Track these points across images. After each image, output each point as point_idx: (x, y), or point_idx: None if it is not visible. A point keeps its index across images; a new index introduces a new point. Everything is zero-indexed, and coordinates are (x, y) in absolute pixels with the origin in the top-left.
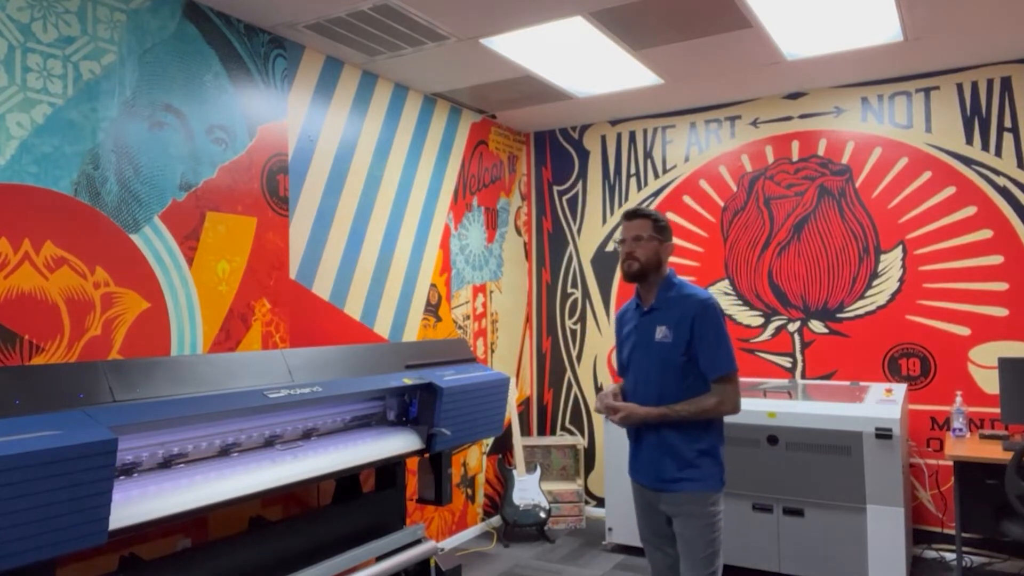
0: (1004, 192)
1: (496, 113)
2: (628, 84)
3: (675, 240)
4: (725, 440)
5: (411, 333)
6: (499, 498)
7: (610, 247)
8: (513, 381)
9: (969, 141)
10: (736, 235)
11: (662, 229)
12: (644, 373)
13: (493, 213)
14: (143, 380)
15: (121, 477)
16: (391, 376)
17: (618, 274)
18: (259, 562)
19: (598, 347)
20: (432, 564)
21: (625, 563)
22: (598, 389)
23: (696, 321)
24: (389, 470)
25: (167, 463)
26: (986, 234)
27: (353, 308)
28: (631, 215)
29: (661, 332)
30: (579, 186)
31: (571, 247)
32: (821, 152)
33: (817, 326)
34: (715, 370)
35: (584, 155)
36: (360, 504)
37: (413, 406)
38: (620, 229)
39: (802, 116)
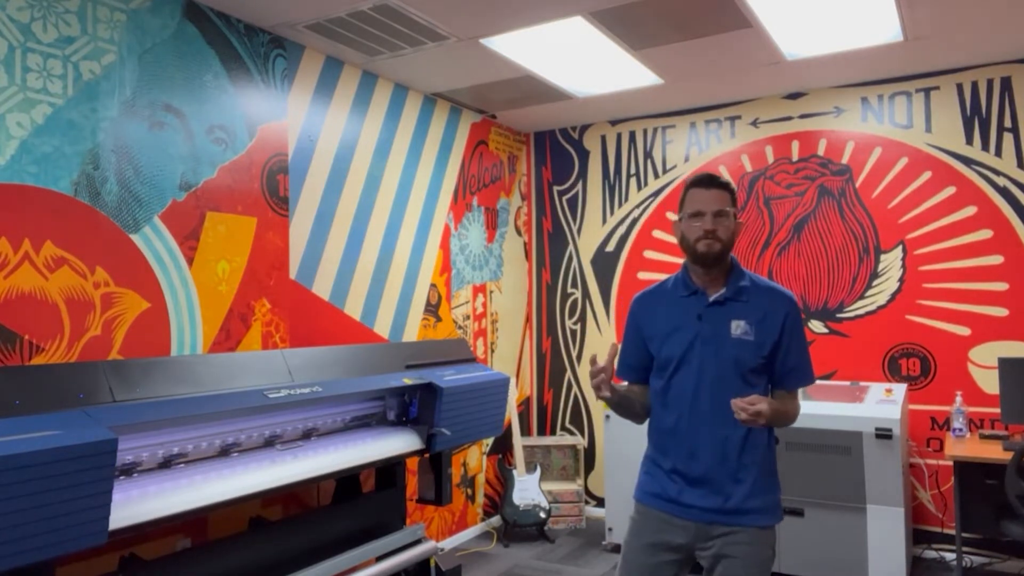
0: (1004, 192)
1: (496, 113)
2: (628, 84)
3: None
4: None
5: (411, 333)
6: (499, 498)
7: (611, 247)
8: (513, 381)
9: (969, 141)
10: None
11: (736, 203)
12: (714, 372)
13: (493, 213)
14: (143, 380)
15: (121, 477)
16: (391, 376)
17: (619, 273)
18: (259, 562)
19: (598, 347)
20: (432, 564)
21: None
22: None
23: (789, 320)
24: (389, 470)
25: (167, 463)
26: (986, 234)
27: (353, 308)
28: (709, 182)
29: (739, 327)
30: (579, 186)
31: (571, 247)
32: (821, 152)
33: (817, 326)
34: (803, 378)
35: (584, 155)
36: (360, 504)
37: (413, 406)
38: (689, 197)
39: (802, 116)
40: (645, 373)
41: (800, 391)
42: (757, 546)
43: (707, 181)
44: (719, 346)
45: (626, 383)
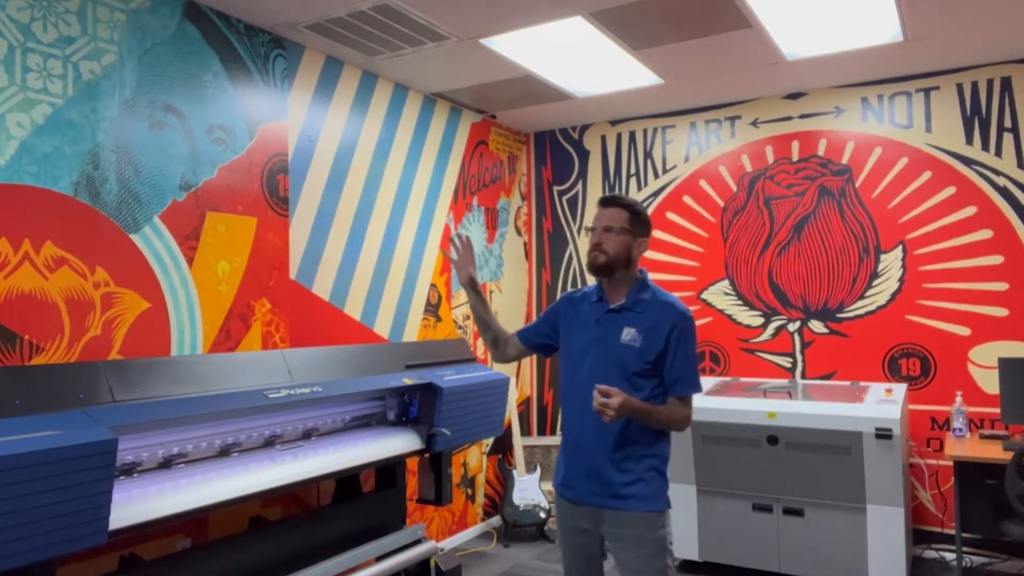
0: (1004, 192)
1: (496, 113)
2: (628, 84)
3: (675, 240)
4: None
5: (411, 333)
6: (499, 498)
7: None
8: (513, 381)
9: (969, 141)
10: (736, 235)
11: (640, 223)
12: (600, 371)
13: (493, 213)
14: (143, 380)
15: (121, 477)
16: (391, 376)
17: None
18: (259, 562)
19: None
20: (432, 564)
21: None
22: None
23: (676, 331)
24: (389, 470)
25: (167, 463)
26: (986, 234)
27: (353, 308)
28: (606, 202)
29: (629, 334)
30: (579, 186)
31: (571, 247)
32: (821, 152)
33: (817, 326)
34: (687, 387)
35: (584, 155)
36: (360, 504)
37: (413, 406)
38: (594, 216)
39: (802, 116)
40: (533, 340)
41: (800, 391)
42: (643, 528)
43: (605, 201)
44: (609, 349)
45: (510, 331)
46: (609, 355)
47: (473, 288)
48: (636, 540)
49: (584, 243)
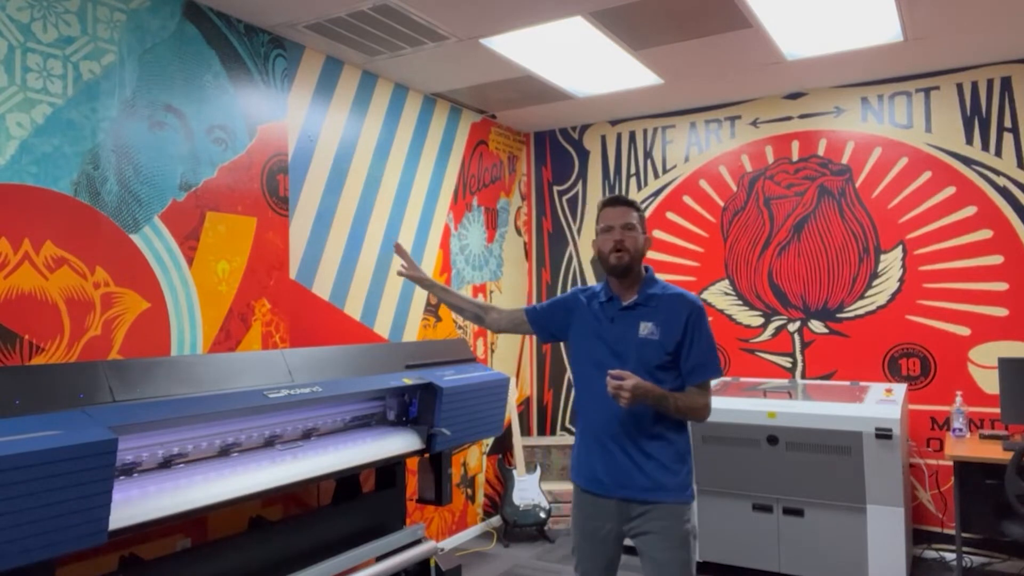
0: (1004, 192)
1: (496, 113)
2: (628, 84)
3: (675, 240)
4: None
5: (411, 333)
6: (499, 498)
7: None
8: (513, 381)
9: (969, 141)
10: (736, 235)
11: (644, 220)
12: (621, 368)
13: (493, 213)
14: (143, 380)
15: (121, 477)
16: (391, 376)
17: None
18: (259, 562)
19: None
20: (432, 564)
21: (624, 563)
22: None
23: (691, 321)
24: (389, 470)
25: (167, 463)
26: (986, 234)
27: (353, 308)
28: (617, 201)
29: (646, 328)
30: (579, 186)
31: (571, 247)
32: (821, 152)
33: (817, 326)
34: (706, 373)
35: (584, 155)
36: (360, 504)
37: (413, 406)
38: (601, 215)
39: (802, 116)
40: (544, 325)
41: (800, 391)
42: (671, 520)
43: (616, 201)
44: (628, 346)
45: (508, 308)
46: (629, 351)
47: (428, 286)
48: (664, 533)
49: (583, 243)
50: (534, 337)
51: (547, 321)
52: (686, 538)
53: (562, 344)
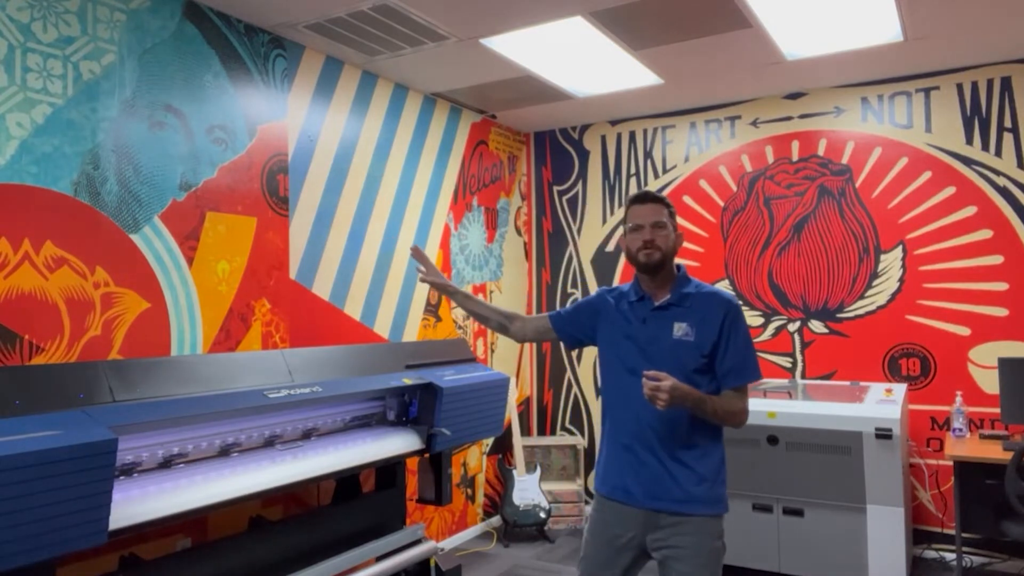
0: (1004, 192)
1: (496, 113)
2: (628, 84)
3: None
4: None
5: (411, 333)
6: (499, 498)
7: (610, 247)
8: (513, 381)
9: (969, 141)
10: (736, 235)
11: (674, 216)
12: (657, 370)
13: (493, 213)
14: (143, 380)
15: (121, 477)
16: (391, 376)
17: (619, 273)
18: (259, 562)
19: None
20: (432, 564)
21: None
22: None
23: (727, 321)
24: (389, 470)
25: (167, 463)
26: (986, 234)
27: (353, 308)
28: (646, 198)
29: (680, 329)
30: (579, 186)
31: (571, 247)
32: (821, 152)
33: (817, 326)
34: (744, 376)
35: (584, 155)
36: (360, 504)
37: (413, 406)
38: (630, 213)
39: (802, 116)
40: (570, 333)
41: (800, 391)
42: (702, 536)
43: (645, 197)
44: (662, 348)
45: (536, 314)
46: (663, 353)
47: (451, 292)
48: (693, 548)
49: (583, 243)
50: None
51: (572, 326)
52: (716, 556)
53: (562, 345)
